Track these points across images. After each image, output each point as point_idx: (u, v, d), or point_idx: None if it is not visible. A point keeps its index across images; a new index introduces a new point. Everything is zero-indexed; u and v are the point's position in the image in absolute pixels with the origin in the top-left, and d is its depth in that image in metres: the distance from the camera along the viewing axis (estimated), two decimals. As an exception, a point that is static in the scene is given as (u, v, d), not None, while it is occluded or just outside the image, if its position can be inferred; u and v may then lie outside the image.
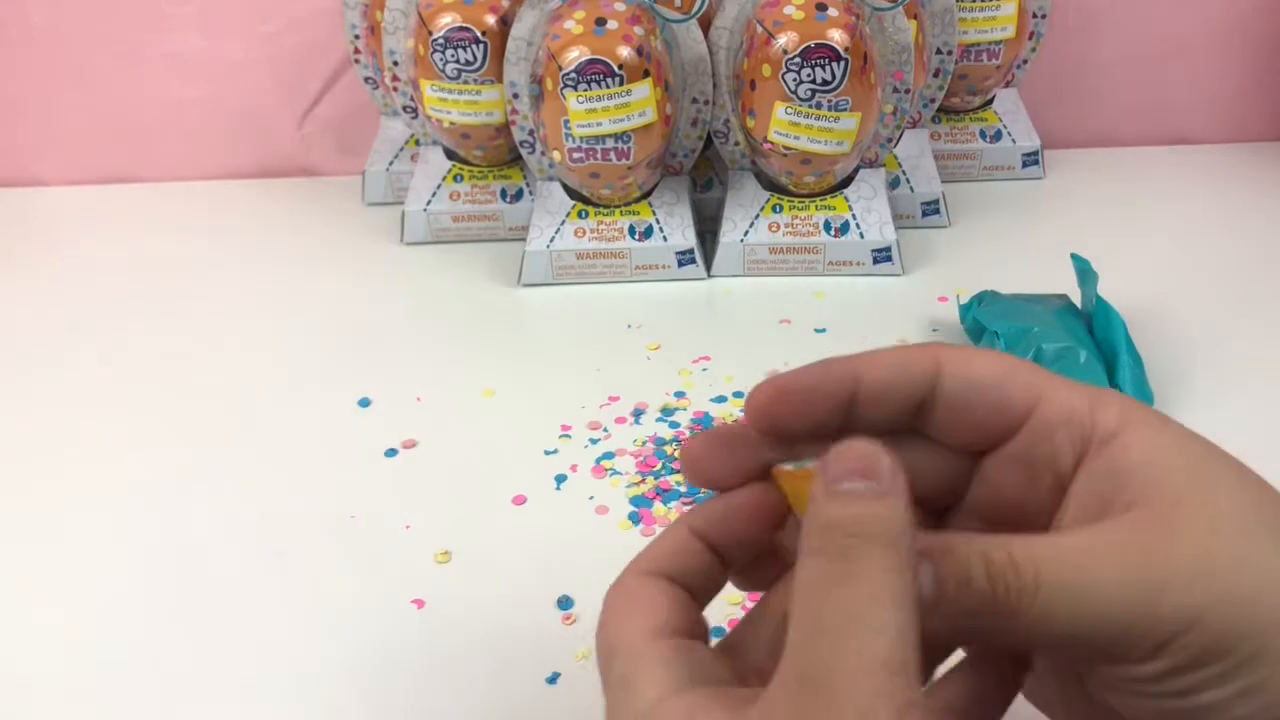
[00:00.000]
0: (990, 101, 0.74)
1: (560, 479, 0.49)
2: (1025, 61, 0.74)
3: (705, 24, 0.63)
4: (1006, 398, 0.26)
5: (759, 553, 0.28)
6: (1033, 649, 0.24)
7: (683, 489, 0.48)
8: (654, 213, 0.64)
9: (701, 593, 0.27)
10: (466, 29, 0.62)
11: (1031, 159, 0.74)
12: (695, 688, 0.24)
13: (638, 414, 0.53)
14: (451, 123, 0.65)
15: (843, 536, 0.22)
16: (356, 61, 0.73)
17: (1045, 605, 0.23)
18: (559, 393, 0.55)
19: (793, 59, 0.59)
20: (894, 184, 0.68)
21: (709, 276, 0.64)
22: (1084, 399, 0.26)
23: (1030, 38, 0.73)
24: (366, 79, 0.74)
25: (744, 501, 0.27)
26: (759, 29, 0.60)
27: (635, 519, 0.47)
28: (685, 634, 0.25)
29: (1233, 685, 0.23)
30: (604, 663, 0.25)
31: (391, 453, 0.51)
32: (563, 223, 0.64)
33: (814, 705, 0.20)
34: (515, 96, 0.63)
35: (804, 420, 0.26)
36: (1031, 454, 0.26)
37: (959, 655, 0.28)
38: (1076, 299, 0.55)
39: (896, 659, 0.20)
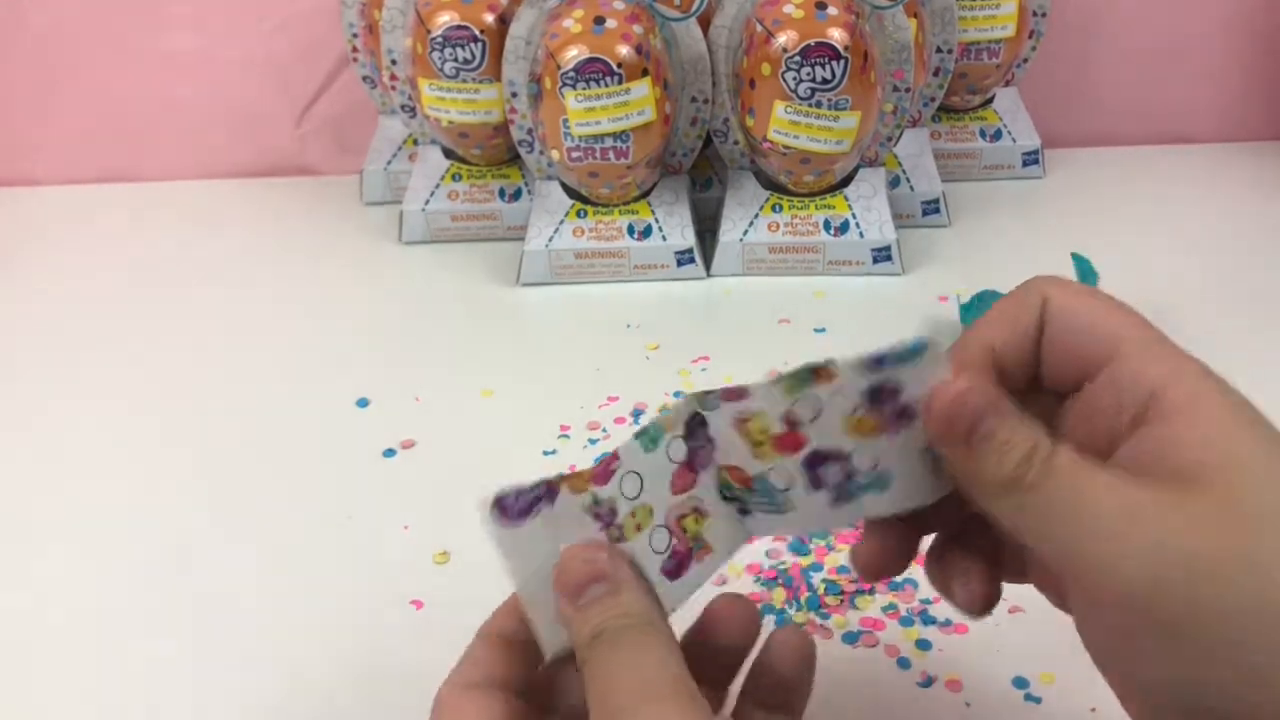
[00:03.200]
0: (990, 100, 0.74)
1: (559, 479, 0.49)
2: (1025, 60, 0.74)
3: (704, 22, 0.63)
4: (1084, 347, 0.27)
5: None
6: (1026, 542, 0.26)
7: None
8: (653, 212, 0.64)
9: (519, 682, 0.30)
10: (465, 27, 0.62)
11: (1032, 158, 0.74)
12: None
13: (637, 414, 0.53)
14: (450, 122, 0.65)
15: (606, 638, 0.26)
16: (354, 60, 0.73)
17: (1042, 504, 0.24)
18: (558, 392, 0.54)
19: (792, 58, 0.58)
20: (894, 183, 0.68)
21: (708, 276, 0.64)
22: (1163, 365, 0.26)
23: (1030, 36, 0.72)
24: (364, 78, 0.74)
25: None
26: (758, 27, 0.60)
27: (635, 519, 0.46)
28: (499, 686, 0.29)
29: (1180, 670, 0.23)
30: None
31: (390, 453, 0.51)
32: (561, 222, 0.64)
33: None
34: (514, 95, 0.63)
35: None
36: (1096, 404, 0.27)
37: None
38: (1077, 298, 0.55)
39: (680, 691, 0.25)
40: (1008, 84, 0.75)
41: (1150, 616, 0.23)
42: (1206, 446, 0.24)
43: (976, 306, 0.55)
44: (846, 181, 0.65)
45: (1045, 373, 0.28)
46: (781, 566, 0.44)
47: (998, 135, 0.73)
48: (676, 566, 0.29)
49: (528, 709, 0.29)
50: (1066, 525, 0.24)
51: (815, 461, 0.28)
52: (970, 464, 0.25)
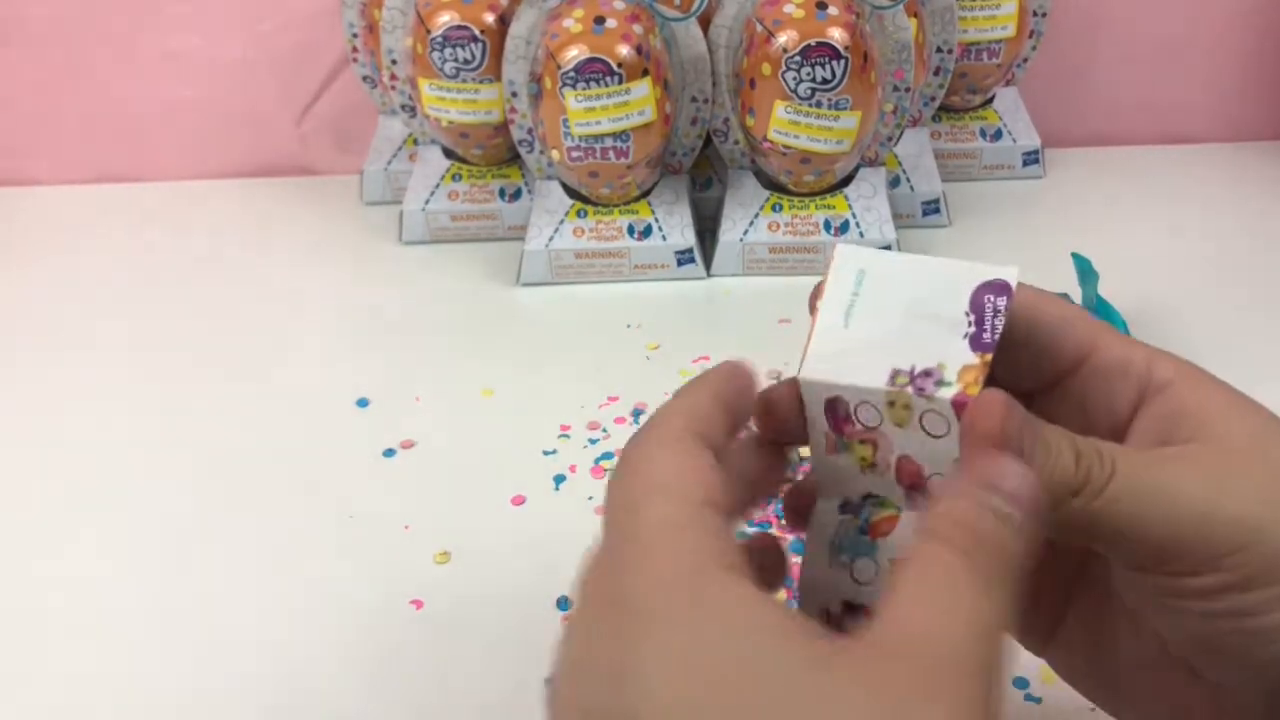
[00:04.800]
0: (991, 100, 0.74)
1: (559, 479, 0.49)
2: (1026, 60, 0.74)
3: (705, 22, 0.63)
4: (1061, 342, 0.28)
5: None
6: (1096, 542, 0.25)
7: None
8: (653, 212, 0.64)
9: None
10: (465, 27, 0.62)
11: (1032, 158, 0.74)
12: (758, 588, 0.22)
13: (637, 414, 0.53)
14: (450, 121, 0.65)
15: (988, 552, 0.22)
16: (354, 60, 0.73)
17: (1116, 494, 0.24)
18: (558, 392, 0.54)
19: (792, 57, 0.58)
20: (894, 183, 0.68)
21: (708, 276, 0.64)
22: (1141, 351, 0.27)
23: (1031, 36, 0.72)
24: (364, 78, 0.74)
25: (747, 379, 0.27)
26: (759, 27, 0.60)
27: (635, 519, 0.46)
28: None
29: None
30: (639, 502, 0.24)
31: (390, 453, 0.51)
32: (561, 222, 0.64)
33: (937, 690, 0.20)
34: (514, 95, 0.63)
35: None
36: (1087, 397, 0.28)
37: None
38: (1077, 298, 0.55)
39: (1003, 675, 0.22)
40: (1008, 84, 0.75)
41: (1264, 552, 0.23)
42: (1213, 410, 0.26)
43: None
44: (847, 181, 0.65)
45: (1004, 366, 0.26)
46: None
47: (998, 135, 0.73)
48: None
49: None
50: (1152, 504, 0.24)
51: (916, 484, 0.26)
52: None
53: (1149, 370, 0.27)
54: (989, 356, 0.24)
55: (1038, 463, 0.24)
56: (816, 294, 0.27)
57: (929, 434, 0.25)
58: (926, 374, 0.25)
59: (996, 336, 0.25)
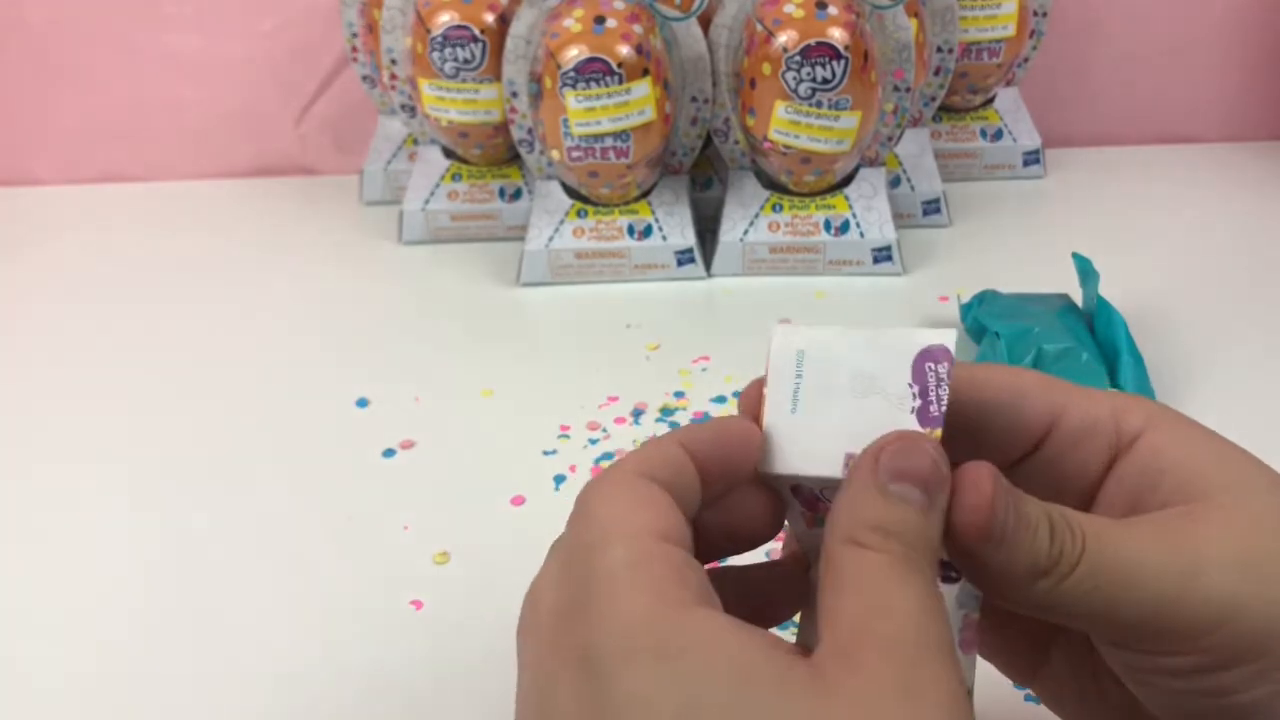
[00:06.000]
0: (991, 100, 0.74)
1: (559, 479, 0.49)
2: (1026, 60, 0.74)
3: (705, 22, 0.63)
4: (1023, 417, 0.26)
5: (730, 489, 0.27)
6: (1070, 622, 0.24)
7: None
8: (653, 212, 0.64)
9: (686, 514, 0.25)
10: (465, 27, 0.62)
11: (1032, 158, 0.74)
12: (723, 612, 0.22)
13: (637, 414, 0.53)
14: (450, 121, 0.65)
15: (900, 541, 0.22)
16: (354, 60, 0.73)
17: (1084, 575, 0.23)
18: (558, 393, 0.54)
19: (793, 57, 0.58)
20: (894, 183, 0.68)
21: (708, 276, 0.64)
22: (1105, 407, 0.26)
23: (1031, 36, 0.72)
24: (364, 77, 0.74)
25: (738, 431, 0.26)
26: (759, 27, 0.60)
27: (635, 519, 0.46)
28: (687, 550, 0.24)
29: (1269, 686, 0.23)
30: (595, 545, 0.23)
31: (390, 453, 0.51)
32: (561, 222, 0.64)
33: (911, 681, 0.20)
34: (514, 95, 0.63)
35: None
36: (1058, 465, 0.26)
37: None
38: (1077, 298, 0.55)
39: (955, 653, 0.22)
40: (1008, 84, 0.75)
41: (1239, 631, 0.22)
42: (1188, 466, 0.25)
43: (977, 306, 0.55)
44: (847, 181, 0.65)
45: (963, 452, 0.25)
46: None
47: (998, 135, 0.73)
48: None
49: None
50: (1121, 586, 0.23)
51: None
52: (1000, 557, 0.23)
53: (1117, 425, 0.26)
54: (939, 431, 0.24)
55: (1017, 542, 0.23)
56: (749, 393, 0.27)
57: None
58: None
59: (944, 408, 0.24)
